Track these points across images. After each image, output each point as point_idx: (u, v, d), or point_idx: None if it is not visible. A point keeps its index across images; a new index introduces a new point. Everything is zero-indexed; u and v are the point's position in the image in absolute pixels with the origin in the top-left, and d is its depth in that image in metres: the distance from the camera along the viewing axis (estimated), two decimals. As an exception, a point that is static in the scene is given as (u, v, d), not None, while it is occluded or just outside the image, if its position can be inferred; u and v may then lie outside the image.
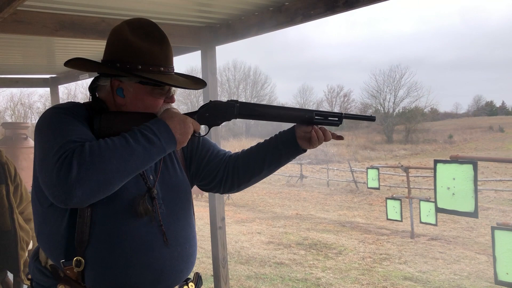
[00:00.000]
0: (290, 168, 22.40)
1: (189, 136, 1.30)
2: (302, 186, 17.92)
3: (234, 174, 1.53)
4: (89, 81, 1.61)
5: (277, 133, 1.53)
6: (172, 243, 1.34)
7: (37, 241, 1.35)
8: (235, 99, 1.43)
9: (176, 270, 1.36)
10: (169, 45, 1.36)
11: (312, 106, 59.52)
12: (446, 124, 51.95)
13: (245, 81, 54.38)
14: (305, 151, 1.49)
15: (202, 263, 6.55)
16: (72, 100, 1.41)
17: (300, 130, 1.47)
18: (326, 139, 1.46)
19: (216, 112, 1.40)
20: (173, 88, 1.39)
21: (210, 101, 1.41)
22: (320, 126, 1.45)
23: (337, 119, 1.48)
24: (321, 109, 1.48)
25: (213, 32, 3.42)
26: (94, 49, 4.25)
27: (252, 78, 54.38)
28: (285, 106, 1.48)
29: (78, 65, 1.38)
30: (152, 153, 1.20)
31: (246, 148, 1.59)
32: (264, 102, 54.85)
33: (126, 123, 1.27)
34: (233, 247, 7.69)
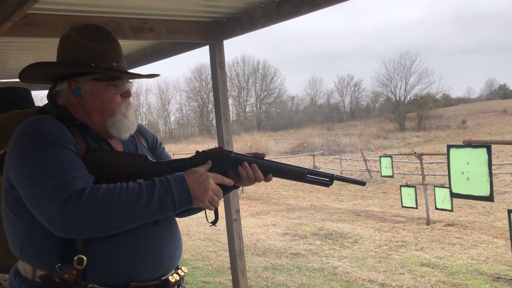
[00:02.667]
0: (303, 160, 22.40)
1: (209, 193, 1.30)
2: (315, 178, 17.89)
3: None
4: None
5: None
6: (163, 227, 1.39)
7: (20, 256, 1.32)
8: (230, 149, 1.44)
9: (172, 255, 1.41)
10: (118, 43, 1.42)
11: (323, 97, 59.31)
12: (458, 109, 51.43)
13: (254, 75, 54.34)
14: (237, 187, 1.50)
15: (220, 256, 6.62)
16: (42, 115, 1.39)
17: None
18: (257, 179, 1.42)
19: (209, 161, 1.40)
20: (128, 83, 1.43)
21: (204, 151, 1.43)
22: (251, 165, 1.42)
23: (328, 179, 1.50)
24: (313, 169, 1.52)
25: (220, 27, 3.44)
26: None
27: (261, 71, 54.33)
28: (279, 162, 1.49)
29: (31, 72, 1.39)
30: (164, 212, 1.25)
31: None
32: (273, 96, 54.79)
33: (123, 163, 1.33)
34: (249, 240, 7.75)
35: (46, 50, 4.34)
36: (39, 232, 1.25)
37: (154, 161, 1.43)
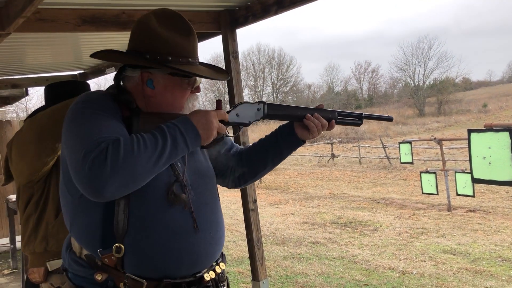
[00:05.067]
0: (321, 148, 22.29)
1: (214, 132, 1.32)
2: (334, 166, 17.82)
3: (239, 171, 1.60)
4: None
5: (277, 128, 1.60)
6: (203, 228, 1.37)
7: (70, 232, 1.37)
8: (262, 100, 1.52)
9: (209, 253, 1.39)
10: (196, 36, 1.39)
11: (340, 85, 58.76)
12: (479, 93, 50.43)
13: (270, 64, 53.99)
14: (304, 142, 1.56)
15: (239, 246, 6.65)
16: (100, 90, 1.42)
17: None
18: (323, 127, 1.52)
19: (246, 112, 1.48)
20: (198, 79, 1.40)
21: (240, 102, 1.48)
22: (314, 114, 1.52)
23: (357, 119, 1.59)
24: (343, 110, 1.60)
25: (232, 15, 3.40)
26: (118, 41, 4.31)
27: (277, 60, 53.93)
28: (309, 107, 1.56)
29: (109, 57, 1.40)
30: (178, 153, 1.25)
31: (249, 144, 1.66)
32: (290, 84, 54.50)
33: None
34: (268, 229, 7.76)
35: (63, 44, 4.36)
36: (84, 213, 1.29)
37: None
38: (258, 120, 1.50)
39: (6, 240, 5.95)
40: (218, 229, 1.44)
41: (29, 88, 6.62)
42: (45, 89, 2.22)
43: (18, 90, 6.56)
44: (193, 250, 1.33)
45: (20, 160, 1.97)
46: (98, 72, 5.86)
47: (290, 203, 10.78)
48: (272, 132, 1.60)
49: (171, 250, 1.30)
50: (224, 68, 1.56)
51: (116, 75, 1.39)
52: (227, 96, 3.61)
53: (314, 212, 9.37)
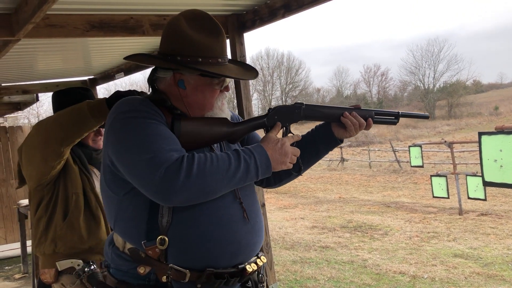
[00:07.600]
0: (330, 152, 22.18)
1: (287, 163, 1.38)
2: (343, 170, 17.74)
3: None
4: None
5: (314, 127, 1.62)
6: (251, 218, 1.41)
7: (114, 228, 1.41)
8: (300, 101, 1.52)
9: (251, 244, 1.41)
10: (224, 36, 1.42)
11: (349, 88, 58.63)
12: (491, 95, 49.97)
13: (279, 68, 54.02)
14: (342, 141, 1.58)
15: (248, 251, 6.63)
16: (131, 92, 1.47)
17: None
18: (361, 126, 1.52)
19: (284, 115, 1.49)
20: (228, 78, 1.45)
21: (278, 105, 1.51)
22: (352, 112, 1.52)
23: (394, 117, 1.60)
24: (379, 109, 1.61)
25: (239, 19, 3.41)
26: (127, 46, 4.34)
27: (286, 64, 53.94)
28: (346, 106, 1.56)
29: (142, 60, 1.45)
30: (248, 180, 1.31)
31: None
32: (299, 88, 54.51)
33: (206, 129, 1.37)
34: (277, 233, 7.73)
35: (72, 50, 4.40)
36: (129, 209, 1.33)
37: (234, 122, 1.46)
38: (296, 122, 1.51)
39: (17, 245, 5.99)
40: (259, 220, 1.47)
41: (39, 94, 6.69)
42: (52, 96, 2.27)
43: (29, 96, 6.63)
44: (234, 240, 1.35)
45: (29, 164, 2.02)
46: (107, 77, 5.90)
47: (300, 207, 10.74)
48: (309, 132, 1.62)
49: (213, 240, 1.32)
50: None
51: (149, 76, 1.43)
52: (235, 101, 3.60)
53: (324, 216, 9.32)
